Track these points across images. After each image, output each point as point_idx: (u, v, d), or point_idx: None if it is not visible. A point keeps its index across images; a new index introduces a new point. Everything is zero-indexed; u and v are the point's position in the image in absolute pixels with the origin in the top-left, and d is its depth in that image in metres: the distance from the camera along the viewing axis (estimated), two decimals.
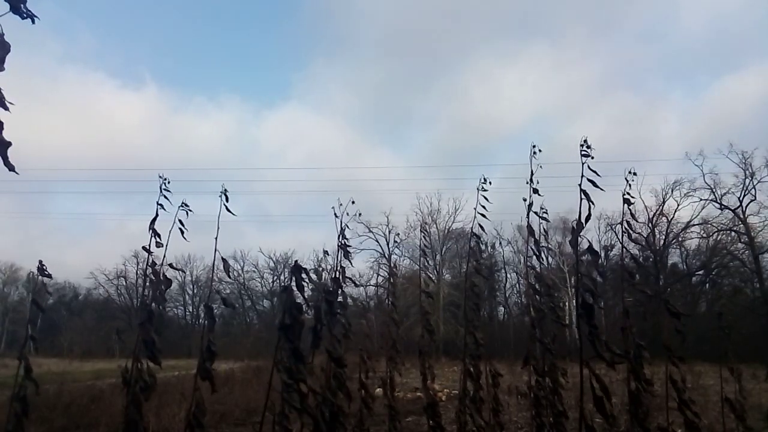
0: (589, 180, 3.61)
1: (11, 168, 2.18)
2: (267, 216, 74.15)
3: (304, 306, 3.06)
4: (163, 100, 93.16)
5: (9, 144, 2.16)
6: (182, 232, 3.63)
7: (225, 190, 3.64)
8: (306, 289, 3.23)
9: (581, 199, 3.57)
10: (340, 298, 3.62)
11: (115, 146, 78.27)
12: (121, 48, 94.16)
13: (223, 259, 3.52)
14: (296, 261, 3.09)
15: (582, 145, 3.71)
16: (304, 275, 3.12)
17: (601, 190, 3.60)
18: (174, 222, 3.64)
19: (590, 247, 3.67)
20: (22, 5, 2.17)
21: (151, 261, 3.63)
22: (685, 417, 3.35)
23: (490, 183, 4.78)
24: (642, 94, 75.32)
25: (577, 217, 3.60)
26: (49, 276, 3.72)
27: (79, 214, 78.41)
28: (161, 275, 3.61)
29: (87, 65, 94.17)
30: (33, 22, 2.21)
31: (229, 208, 3.64)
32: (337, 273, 3.57)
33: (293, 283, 3.05)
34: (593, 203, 3.58)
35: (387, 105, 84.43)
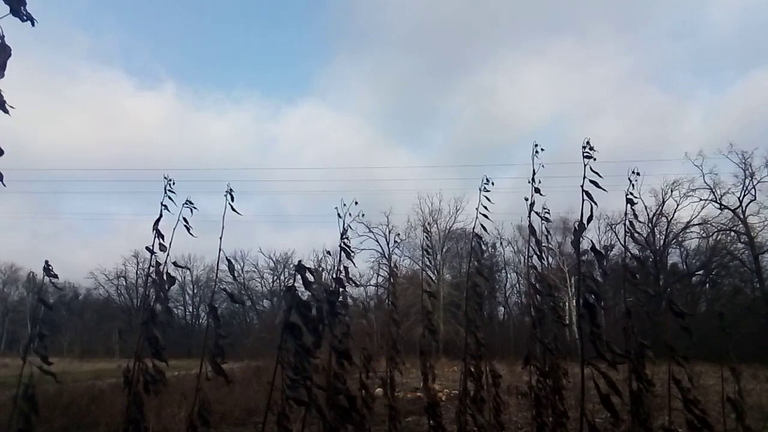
0: (591, 181, 3.61)
1: None
2: (281, 216, 73.87)
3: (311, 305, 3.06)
4: (182, 98, 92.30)
5: (1, 152, 2.15)
6: (188, 230, 3.63)
7: (230, 189, 3.64)
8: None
9: (583, 200, 3.57)
10: (341, 298, 3.62)
11: (132, 145, 78.10)
12: (137, 45, 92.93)
13: (227, 259, 3.53)
14: (300, 261, 3.09)
15: (584, 147, 3.71)
16: (307, 274, 3.12)
17: (604, 190, 3.59)
18: (178, 221, 3.64)
19: (593, 247, 3.67)
20: (22, 8, 2.17)
21: (154, 261, 3.63)
22: (694, 415, 3.34)
23: (492, 183, 4.77)
24: (668, 91, 74.47)
25: (579, 217, 3.60)
26: (55, 276, 3.72)
27: (87, 214, 78.25)
28: (165, 274, 3.62)
29: (104, 62, 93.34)
30: (33, 24, 2.20)
31: (234, 207, 3.64)
32: (339, 273, 3.57)
33: (297, 282, 3.05)
34: (596, 204, 3.57)
35: (408, 103, 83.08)
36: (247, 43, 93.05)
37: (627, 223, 3.83)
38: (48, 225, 79.86)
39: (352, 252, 3.87)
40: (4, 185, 2.19)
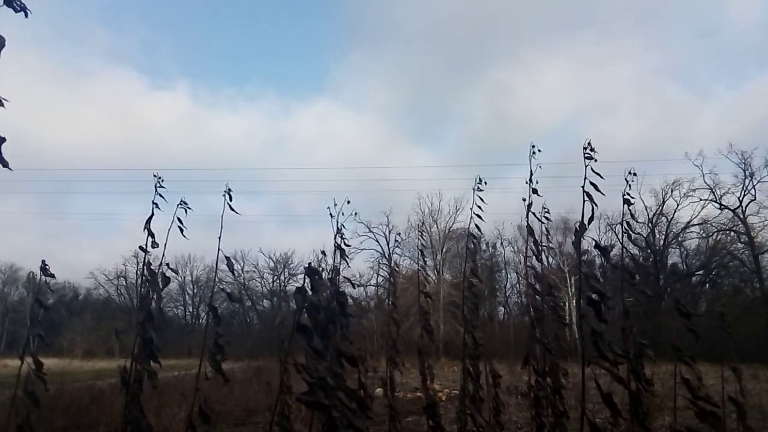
0: (591, 182, 3.61)
1: (5, 164, 2.16)
2: (291, 215, 73.42)
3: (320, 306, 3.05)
4: (195, 96, 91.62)
5: (3, 140, 2.15)
6: (181, 231, 3.64)
7: (229, 189, 3.65)
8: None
9: (584, 200, 3.57)
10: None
11: (144, 144, 77.69)
12: (149, 42, 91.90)
13: (227, 257, 3.53)
14: (310, 263, 3.08)
15: (585, 147, 3.71)
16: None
17: (602, 194, 3.60)
18: (173, 221, 3.64)
19: (597, 244, 3.68)
20: None
21: (147, 261, 3.63)
22: (704, 411, 3.33)
23: (485, 183, 4.81)
24: (687, 89, 73.73)
25: (581, 218, 3.60)
26: (52, 275, 3.72)
27: (95, 214, 78.07)
28: (161, 274, 3.61)
29: (116, 60, 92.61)
30: (26, 15, 2.19)
31: (233, 207, 3.65)
32: (334, 273, 3.57)
33: (307, 285, 3.04)
34: (596, 205, 3.58)
35: (423, 101, 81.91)
36: (261, 40, 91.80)
37: (624, 223, 3.83)
38: (56, 225, 79.82)
39: (349, 251, 3.87)
40: (11, 169, 2.19)
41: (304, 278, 3.12)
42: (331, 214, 3.59)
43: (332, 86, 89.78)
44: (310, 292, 3.06)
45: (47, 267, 3.69)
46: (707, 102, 73.26)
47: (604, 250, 3.72)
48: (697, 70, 75.11)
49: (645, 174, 36.86)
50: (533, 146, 4.30)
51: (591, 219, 3.60)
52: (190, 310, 58.10)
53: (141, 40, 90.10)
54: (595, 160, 3.70)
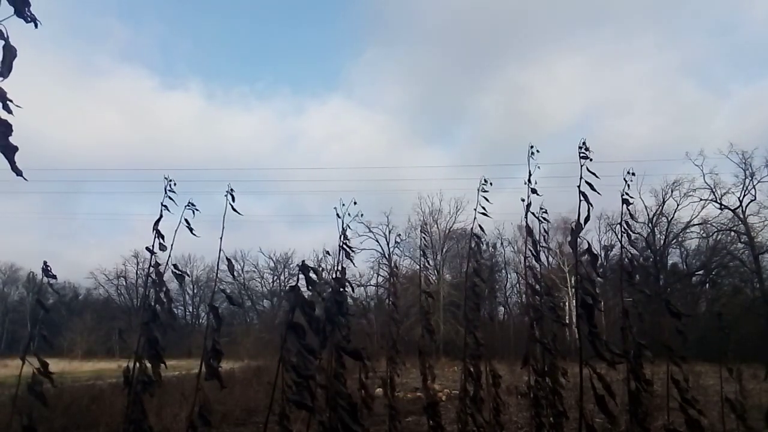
0: (587, 182, 3.63)
1: (19, 173, 2.17)
2: (301, 215, 73.53)
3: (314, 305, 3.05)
4: (208, 96, 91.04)
5: (16, 149, 2.16)
6: (191, 231, 3.66)
7: (231, 189, 3.65)
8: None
9: (580, 201, 3.58)
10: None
11: (154, 143, 77.55)
12: (158, 41, 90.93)
13: (227, 259, 3.53)
14: (303, 261, 3.09)
15: (581, 147, 3.72)
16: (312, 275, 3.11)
17: (598, 194, 3.60)
18: (180, 222, 3.66)
19: (589, 248, 3.67)
20: (26, 9, 2.18)
21: (154, 262, 3.64)
22: (688, 416, 3.36)
23: (491, 184, 4.82)
24: (703, 88, 72.90)
25: (577, 218, 3.61)
26: (54, 276, 3.73)
27: (103, 215, 77.93)
28: (174, 273, 3.63)
29: (125, 59, 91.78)
30: (36, 26, 2.21)
31: (235, 208, 3.66)
32: (338, 273, 3.58)
33: (301, 282, 3.05)
34: (592, 205, 3.59)
35: (436, 100, 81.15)
36: (275, 36, 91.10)
37: (624, 223, 3.84)
38: (58, 225, 79.53)
39: (353, 252, 3.88)
40: (26, 179, 2.20)
41: (297, 277, 3.14)
42: (338, 214, 3.60)
43: (346, 84, 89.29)
44: (306, 290, 3.07)
45: (49, 268, 3.69)
46: (723, 100, 72.09)
47: (593, 256, 3.71)
48: (714, 68, 73.70)
49: (650, 174, 36.68)
50: (531, 147, 4.33)
51: (587, 219, 3.62)
52: (190, 310, 58.16)
53: (156, 39, 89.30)
54: (591, 159, 3.71)
